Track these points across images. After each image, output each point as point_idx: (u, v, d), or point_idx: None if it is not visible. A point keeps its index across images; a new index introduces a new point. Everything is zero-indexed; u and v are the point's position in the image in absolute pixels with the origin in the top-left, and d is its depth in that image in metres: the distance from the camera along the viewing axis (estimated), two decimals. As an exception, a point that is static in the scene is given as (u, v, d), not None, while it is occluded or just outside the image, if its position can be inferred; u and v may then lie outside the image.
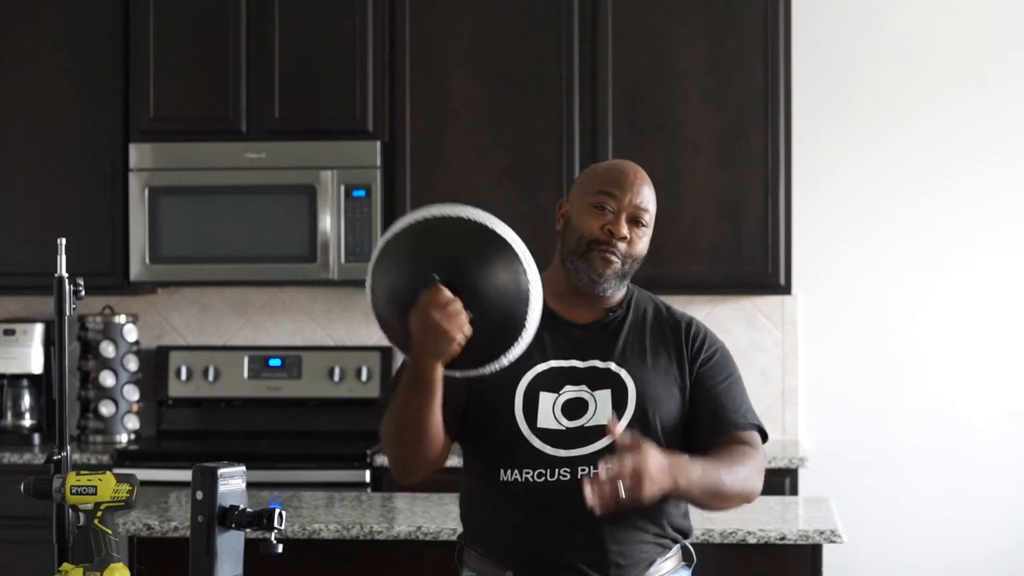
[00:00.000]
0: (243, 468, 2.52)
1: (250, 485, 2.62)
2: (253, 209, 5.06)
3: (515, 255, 2.55)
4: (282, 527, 2.48)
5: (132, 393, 5.22)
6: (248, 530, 2.48)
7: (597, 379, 2.74)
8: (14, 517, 4.73)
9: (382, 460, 4.81)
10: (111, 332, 5.19)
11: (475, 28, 5.06)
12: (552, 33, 5.03)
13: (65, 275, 2.85)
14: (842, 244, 5.28)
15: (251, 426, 5.33)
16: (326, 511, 3.81)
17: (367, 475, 4.80)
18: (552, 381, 2.72)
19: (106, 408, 5.17)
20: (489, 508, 2.79)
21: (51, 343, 5.23)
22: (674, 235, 4.87)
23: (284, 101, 5.08)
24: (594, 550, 2.71)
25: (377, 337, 5.31)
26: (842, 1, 5.29)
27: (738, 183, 4.98)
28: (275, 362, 5.32)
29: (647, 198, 2.79)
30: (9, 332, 5.21)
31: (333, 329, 5.40)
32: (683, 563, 2.86)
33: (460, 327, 2.50)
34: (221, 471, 2.47)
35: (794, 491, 4.74)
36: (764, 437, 2.83)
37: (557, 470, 2.71)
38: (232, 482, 2.48)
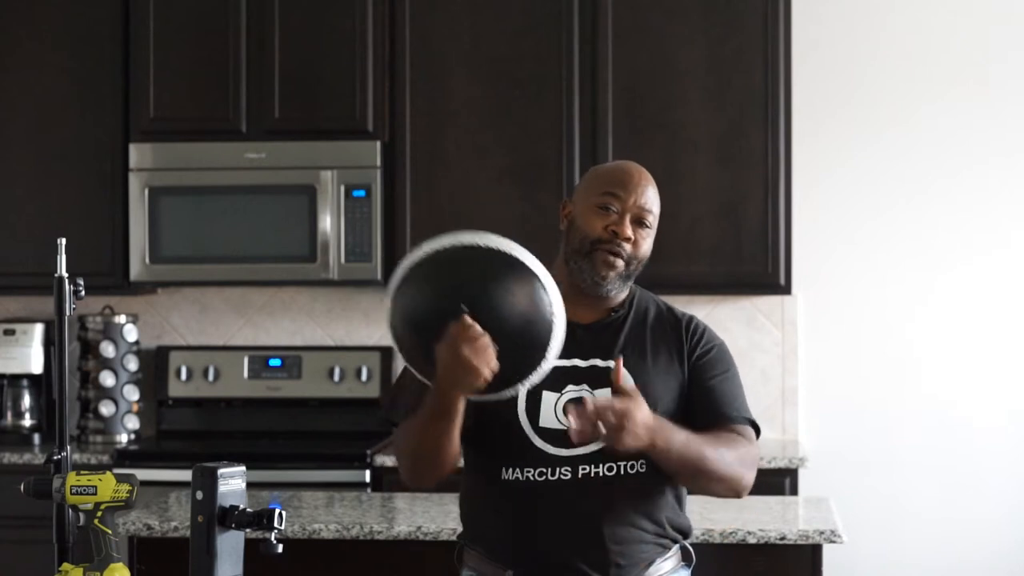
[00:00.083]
0: (243, 468, 2.52)
1: (250, 485, 2.62)
2: (253, 209, 5.06)
3: (541, 286, 2.55)
4: (282, 527, 2.48)
5: (132, 393, 5.22)
6: (248, 530, 2.48)
7: (598, 379, 2.75)
8: (14, 517, 4.73)
9: (382, 460, 4.81)
10: (111, 332, 5.19)
11: (475, 28, 5.06)
12: (552, 33, 5.03)
13: (65, 275, 2.85)
14: (842, 244, 5.28)
15: (251, 426, 5.33)
16: (326, 511, 3.80)
17: (367, 475, 4.80)
18: (555, 381, 2.72)
19: (106, 408, 5.17)
20: (490, 507, 2.79)
21: (51, 343, 5.23)
22: (674, 235, 4.87)
23: (284, 101, 5.08)
24: (594, 550, 2.72)
25: (377, 337, 5.31)
26: (842, 1, 5.29)
27: (738, 183, 4.98)
28: (275, 362, 5.32)
29: (651, 199, 2.80)
30: (9, 332, 5.21)
31: (333, 329, 5.40)
32: (683, 563, 2.86)
33: (488, 363, 2.52)
34: (221, 471, 2.47)
35: (794, 491, 4.74)
36: (757, 433, 2.84)
37: (558, 469, 2.71)
38: (232, 482, 2.48)
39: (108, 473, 2.59)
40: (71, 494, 2.58)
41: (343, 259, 5.02)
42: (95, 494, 2.57)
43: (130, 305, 5.37)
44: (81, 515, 2.62)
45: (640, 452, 2.64)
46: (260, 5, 5.08)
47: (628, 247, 2.76)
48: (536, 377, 2.62)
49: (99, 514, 2.58)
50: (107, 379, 5.17)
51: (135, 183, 5.08)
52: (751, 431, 2.82)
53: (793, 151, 5.00)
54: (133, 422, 5.22)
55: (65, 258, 2.87)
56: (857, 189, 5.28)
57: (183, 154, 5.09)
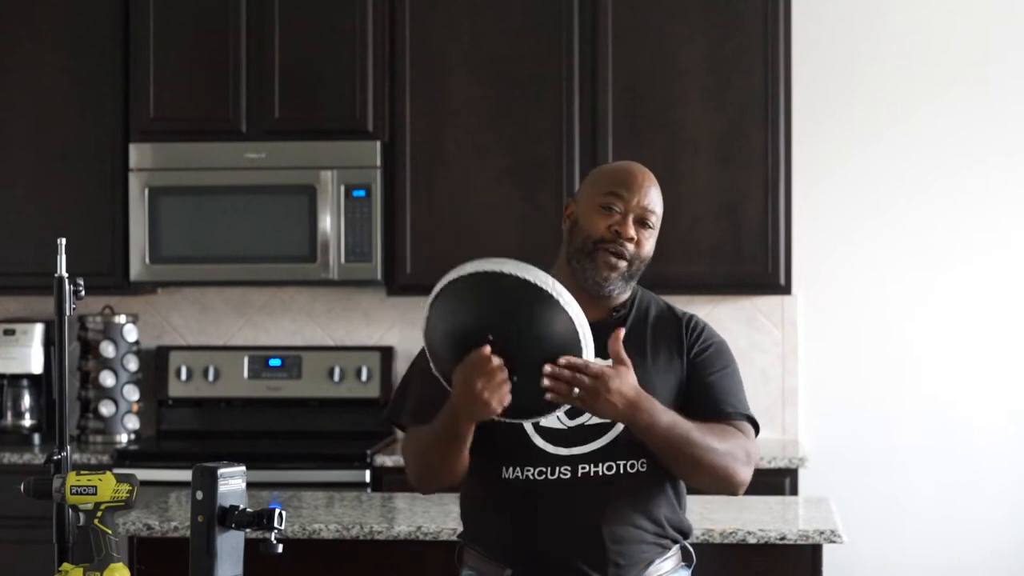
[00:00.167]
0: (243, 468, 2.52)
1: (250, 485, 2.62)
2: (253, 209, 5.06)
3: (575, 330, 2.55)
4: (282, 527, 2.48)
5: (132, 393, 5.22)
6: (248, 530, 2.48)
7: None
8: (14, 517, 4.73)
9: (382, 460, 4.81)
10: (111, 332, 5.19)
11: (475, 28, 5.06)
12: (552, 33, 5.03)
13: (65, 275, 2.85)
14: (842, 244, 5.28)
15: (251, 426, 5.33)
16: (326, 511, 3.80)
17: (367, 475, 4.79)
18: (556, 380, 2.73)
19: (106, 408, 5.17)
20: (489, 507, 2.80)
21: (51, 343, 5.23)
22: (674, 235, 4.85)
23: (284, 101, 5.08)
24: (593, 549, 2.72)
25: (377, 337, 5.32)
26: (842, 1, 5.29)
27: (738, 183, 4.98)
28: (275, 362, 5.32)
29: (654, 200, 2.80)
30: (9, 332, 5.21)
31: (333, 329, 5.40)
32: (682, 563, 2.86)
33: (501, 399, 2.54)
34: (221, 471, 2.47)
35: (794, 491, 4.74)
36: (756, 430, 2.83)
37: (558, 468, 2.72)
38: (232, 482, 2.48)
39: (108, 473, 2.59)
40: (71, 494, 2.58)
41: (343, 259, 5.02)
42: (95, 494, 2.57)
43: (130, 305, 5.37)
44: (81, 515, 2.62)
45: (640, 449, 2.64)
46: (260, 5, 5.08)
47: (631, 247, 2.76)
48: (552, 417, 2.65)
49: (99, 514, 2.58)
50: (107, 379, 5.17)
51: (135, 183, 5.08)
52: (748, 427, 2.81)
53: (793, 151, 5.00)
54: (133, 422, 5.22)
55: (65, 258, 2.87)
56: (857, 189, 5.28)
57: (183, 154, 5.09)
